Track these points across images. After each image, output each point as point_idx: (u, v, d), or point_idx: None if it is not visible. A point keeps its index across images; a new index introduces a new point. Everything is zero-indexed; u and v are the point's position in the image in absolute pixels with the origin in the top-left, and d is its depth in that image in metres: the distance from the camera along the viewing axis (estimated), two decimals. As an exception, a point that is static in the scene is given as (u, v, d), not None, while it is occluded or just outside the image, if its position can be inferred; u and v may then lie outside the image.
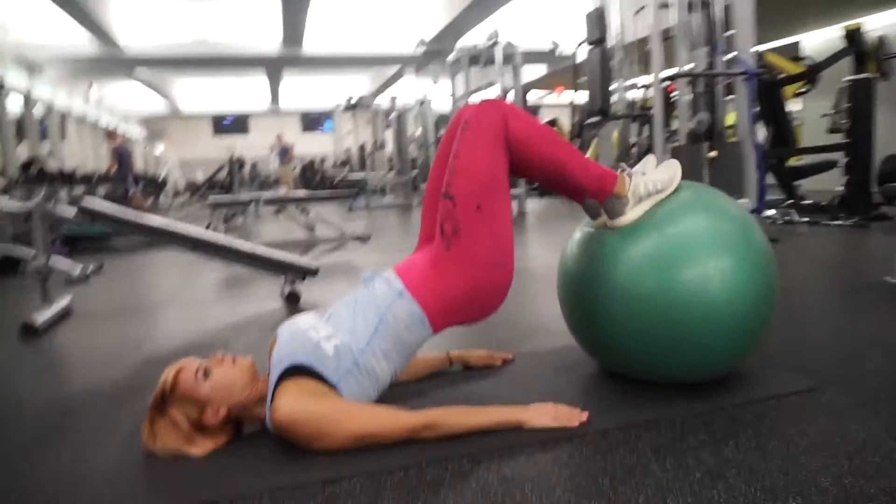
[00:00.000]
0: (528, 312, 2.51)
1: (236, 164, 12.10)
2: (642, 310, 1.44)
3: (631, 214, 1.52)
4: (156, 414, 1.32)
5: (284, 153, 14.96)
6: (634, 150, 4.52)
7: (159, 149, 19.87)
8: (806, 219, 5.05)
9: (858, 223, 4.65)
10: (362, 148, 13.41)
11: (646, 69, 4.41)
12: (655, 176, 1.54)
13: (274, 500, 1.15)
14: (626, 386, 1.57)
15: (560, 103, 16.82)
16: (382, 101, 12.57)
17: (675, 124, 4.39)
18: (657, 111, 3.72)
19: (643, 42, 4.13)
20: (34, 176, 2.74)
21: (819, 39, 9.08)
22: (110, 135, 10.87)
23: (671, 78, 3.83)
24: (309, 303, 2.95)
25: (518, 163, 1.46)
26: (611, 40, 4.33)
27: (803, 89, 6.75)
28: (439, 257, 1.42)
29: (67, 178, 2.95)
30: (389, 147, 12.24)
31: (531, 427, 1.35)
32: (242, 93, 21.20)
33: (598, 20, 4.17)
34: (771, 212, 5.29)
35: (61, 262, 4.15)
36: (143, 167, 18.83)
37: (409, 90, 12.44)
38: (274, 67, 16.00)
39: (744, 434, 1.30)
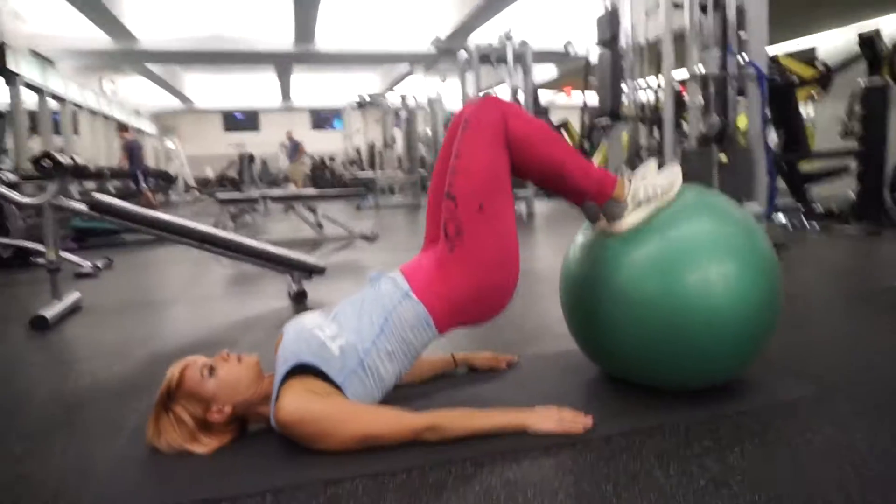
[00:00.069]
0: (535, 314, 2.50)
1: (246, 161, 12.14)
2: (644, 314, 1.43)
3: (630, 219, 1.51)
4: (161, 411, 1.33)
5: (294, 150, 15.00)
6: (644, 152, 4.49)
7: (170, 144, 19.96)
8: (816, 224, 5.01)
9: (870, 230, 4.60)
10: (372, 146, 13.42)
11: (657, 71, 4.38)
12: (656, 181, 1.53)
13: (277, 499, 1.15)
14: (630, 391, 1.56)
15: (571, 104, 16.77)
16: (393, 99, 12.56)
17: (685, 126, 4.37)
18: (667, 113, 3.70)
19: (654, 43, 4.11)
20: (46, 170, 2.75)
21: (834, 42, 9.00)
22: (122, 129, 10.95)
23: (682, 81, 3.81)
24: (316, 301, 2.95)
25: (517, 163, 1.44)
26: (622, 41, 4.31)
27: (816, 94, 6.70)
28: (444, 259, 1.42)
29: (79, 173, 2.97)
30: (399, 146, 12.25)
31: (535, 431, 1.34)
32: (253, 89, 21.30)
33: (609, 21, 4.15)
34: (781, 217, 5.25)
35: (71, 257, 4.20)
36: (154, 162, 18.94)
37: (419, 89, 12.43)
38: (285, 64, 16.05)
39: (749, 441, 1.30)
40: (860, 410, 1.43)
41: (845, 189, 5.52)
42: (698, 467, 1.20)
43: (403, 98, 11.44)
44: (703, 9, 3.88)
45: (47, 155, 2.80)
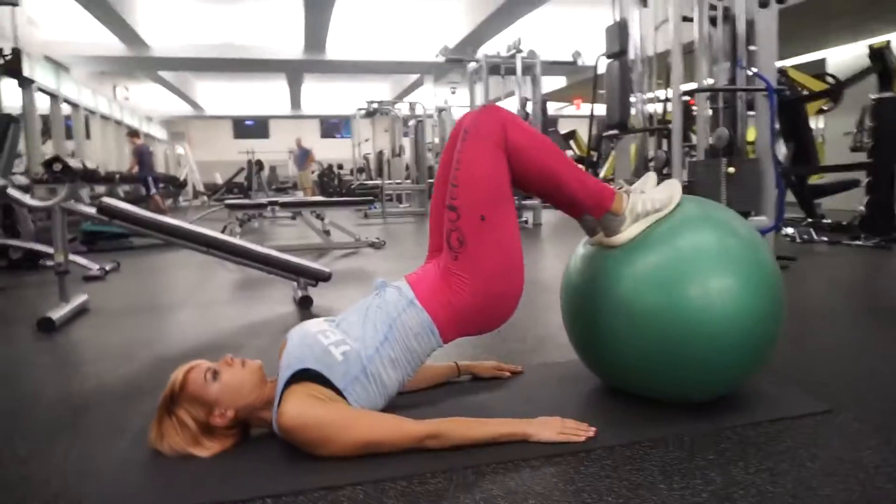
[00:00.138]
0: (540, 324, 2.50)
1: (255, 168, 12.20)
2: (645, 326, 1.42)
3: (627, 233, 1.50)
4: (164, 414, 1.33)
5: (304, 157, 15.07)
6: (652, 164, 4.48)
7: (180, 150, 20.11)
8: (825, 238, 4.98)
9: (879, 244, 4.57)
10: (380, 154, 13.48)
11: (666, 83, 4.38)
12: (654, 195, 1.52)
13: (277, 504, 1.15)
14: (634, 402, 1.55)
15: (579, 114, 16.80)
16: (401, 108, 12.62)
17: (693, 139, 4.36)
18: (676, 125, 3.69)
19: (664, 55, 4.11)
20: (56, 174, 2.78)
21: (845, 56, 8.98)
22: (132, 135, 11.04)
23: (691, 92, 3.80)
24: (321, 308, 2.96)
25: (516, 173, 1.43)
26: (631, 53, 4.32)
27: (826, 107, 6.68)
28: (448, 268, 1.42)
29: (89, 177, 3.00)
30: (407, 154, 12.28)
31: (537, 441, 1.34)
32: (264, 97, 21.45)
33: (619, 33, 4.16)
34: (790, 230, 5.23)
35: (80, 260, 4.23)
36: (164, 168, 19.07)
37: (428, 98, 12.49)
38: (296, 72, 16.16)
39: (754, 455, 1.28)
40: (868, 426, 1.41)
41: (854, 202, 5.48)
42: (702, 480, 1.19)
43: (412, 107, 11.50)
44: (713, 22, 3.88)
45: (58, 159, 2.83)
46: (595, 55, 5.03)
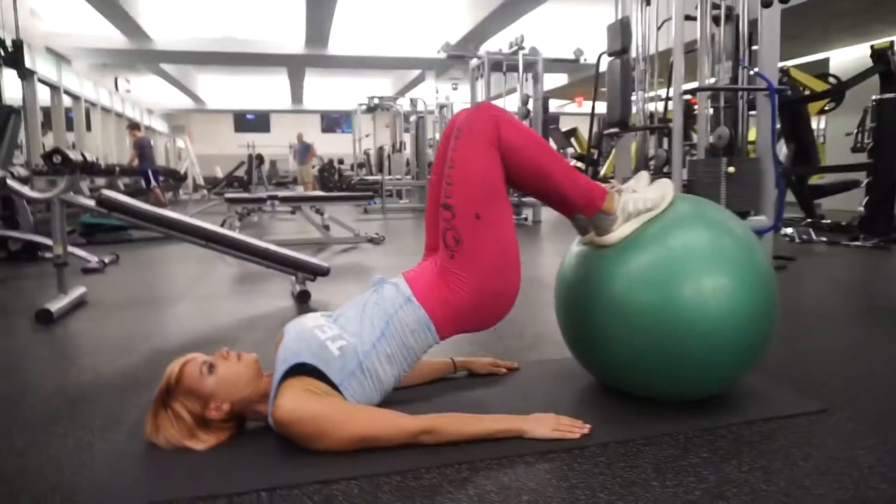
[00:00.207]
0: (537, 321, 2.50)
1: (256, 162, 12.20)
2: (639, 325, 1.42)
3: (619, 232, 1.50)
4: (160, 406, 1.34)
5: (305, 152, 15.06)
6: (652, 162, 4.48)
7: (180, 143, 20.11)
8: (824, 238, 4.98)
9: (878, 245, 4.57)
10: (381, 150, 13.47)
11: (667, 81, 4.37)
12: (646, 194, 1.52)
13: (272, 497, 1.15)
14: (629, 399, 1.56)
15: (581, 112, 16.79)
16: (403, 104, 12.61)
17: (694, 138, 4.35)
18: (677, 124, 3.68)
19: (665, 54, 4.10)
20: (56, 166, 2.78)
21: (848, 56, 8.96)
22: (132, 127, 11.04)
23: (692, 91, 3.80)
24: (319, 302, 2.96)
25: (509, 171, 1.43)
26: (633, 51, 4.31)
27: (828, 107, 6.68)
28: (444, 266, 1.42)
29: (89, 169, 3.00)
30: (408, 150, 12.28)
31: (531, 437, 1.34)
32: (265, 91, 21.42)
33: (621, 31, 4.15)
34: (789, 230, 5.23)
35: (79, 252, 4.23)
36: (165, 161, 19.07)
37: (430, 94, 12.48)
38: (297, 66, 16.14)
39: (748, 454, 1.29)
40: (863, 426, 1.41)
41: (855, 203, 5.48)
42: (695, 478, 1.19)
43: (414, 103, 11.48)
44: (716, 21, 3.88)
45: (58, 151, 2.82)
46: (597, 53, 5.02)
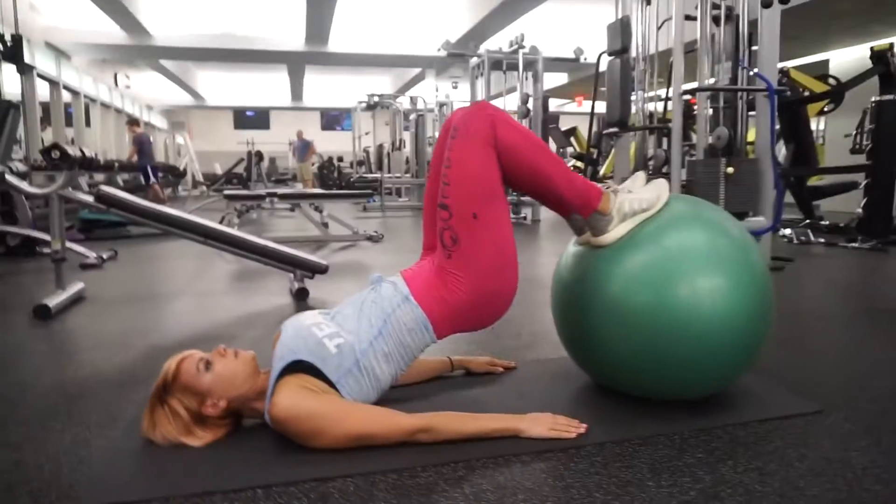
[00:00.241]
0: (536, 320, 2.50)
1: (255, 159, 12.19)
2: (634, 325, 1.42)
3: (614, 233, 1.50)
4: (156, 403, 1.34)
5: (305, 149, 15.04)
6: (651, 162, 4.48)
7: (180, 140, 20.09)
8: (822, 240, 4.99)
9: (876, 246, 4.58)
10: (380, 148, 13.47)
11: (667, 81, 4.38)
12: (642, 194, 1.52)
13: (268, 494, 1.15)
14: (625, 399, 1.56)
15: (581, 111, 16.80)
16: (403, 102, 12.60)
17: (693, 138, 4.36)
18: (676, 124, 3.68)
19: (665, 54, 4.10)
20: (55, 161, 2.78)
21: (848, 58, 8.97)
22: (132, 123, 11.03)
23: (692, 91, 3.80)
24: (317, 300, 2.96)
25: (505, 171, 1.42)
26: (633, 51, 4.31)
27: (827, 108, 6.68)
28: (442, 266, 1.42)
29: (88, 165, 2.99)
30: (407, 148, 12.28)
31: (528, 436, 1.34)
32: (265, 88, 21.39)
33: (621, 30, 4.15)
34: (787, 231, 5.24)
35: (77, 248, 4.23)
36: (164, 157, 19.04)
37: (430, 93, 12.48)
38: (298, 64, 16.12)
39: (743, 454, 1.29)
40: (858, 428, 1.42)
41: (853, 205, 5.49)
42: (690, 478, 1.20)
43: (413, 101, 11.48)
44: (716, 21, 3.88)
45: (56, 146, 2.82)
46: (597, 52, 5.02)
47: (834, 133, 8.92)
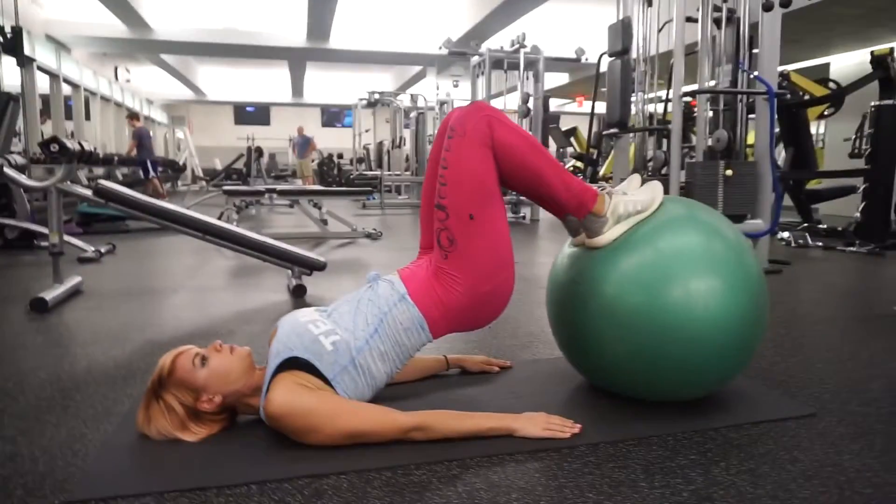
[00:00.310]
0: (532, 320, 2.50)
1: (255, 154, 12.18)
2: (629, 326, 1.43)
3: (609, 234, 1.50)
4: (152, 398, 1.34)
5: (305, 145, 15.02)
6: (650, 163, 4.49)
7: (180, 134, 20.07)
8: (820, 243, 5.00)
9: (873, 251, 4.59)
10: (380, 145, 13.46)
11: (667, 83, 4.38)
12: (636, 196, 1.53)
13: (262, 490, 1.16)
14: (620, 400, 1.57)
15: (581, 111, 16.80)
16: (403, 99, 12.59)
17: (693, 140, 4.37)
18: (676, 126, 3.69)
19: (666, 55, 4.11)
20: (54, 154, 2.78)
21: (849, 62, 8.98)
22: (132, 117, 11.02)
23: (692, 93, 3.80)
24: (315, 297, 2.96)
25: (501, 171, 1.43)
26: (634, 52, 4.31)
27: (827, 112, 6.69)
28: (439, 266, 1.43)
29: (86, 159, 2.99)
30: (407, 146, 12.27)
31: (522, 436, 1.35)
32: (266, 84, 21.37)
33: (622, 31, 4.15)
34: (785, 234, 5.25)
35: (75, 241, 4.22)
36: (164, 152, 19.03)
37: (430, 91, 12.48)
38: (299, 60, 16.10)
39: (735, 456, 1.30)
40: (851, 432, 1.42)
41: (853, 209, 5.49)
42: (683, 479, 1.20)
43: (414, 99, 11.47)
44: (717, 23, 3.88)
45: (55, 139, 2.82)
46: (598, 53, 5.02)
47: (833, 137, 8.93)
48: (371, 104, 12.65)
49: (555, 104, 18.54)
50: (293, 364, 1.33)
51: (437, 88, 11.95)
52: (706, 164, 3.69)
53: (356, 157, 15.40)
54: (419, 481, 1.19)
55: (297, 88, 21.11)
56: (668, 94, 4.45)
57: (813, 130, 6.71)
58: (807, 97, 5.92)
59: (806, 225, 5.65)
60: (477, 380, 1.76)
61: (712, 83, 3.90)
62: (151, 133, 12.74)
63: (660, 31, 4.38)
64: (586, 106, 14.99)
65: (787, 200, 5.39)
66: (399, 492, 1.15)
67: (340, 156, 17.12)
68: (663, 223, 1.50)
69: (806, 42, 8.48)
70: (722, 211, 3.54)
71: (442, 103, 10.66)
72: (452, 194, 1.39)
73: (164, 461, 1.26)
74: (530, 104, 7.21)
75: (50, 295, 2.71)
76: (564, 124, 12.67)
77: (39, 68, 8.35)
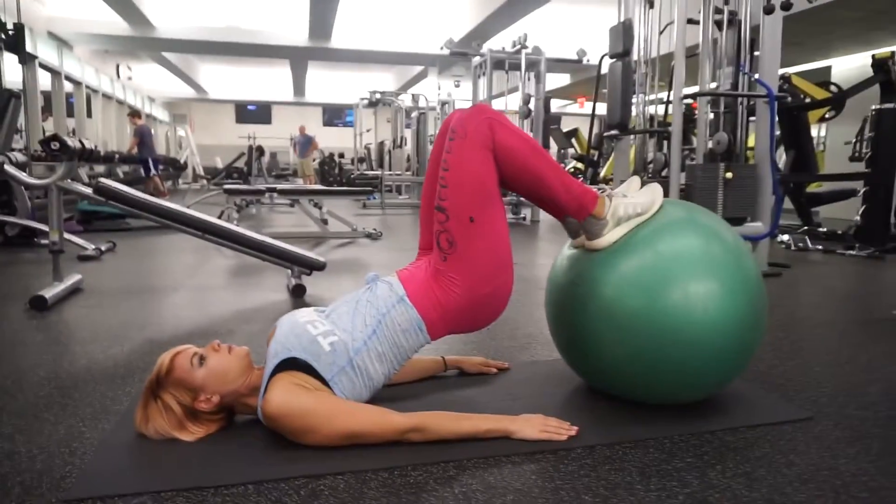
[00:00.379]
0: (531, 321, 2.51)
1: (256, 153, 12.18)
2: (627, 328, 1.43)
3: (609, 237, 1.51)
4: (149, 397, 1.34)
5: (307, 145, 15.02)
6: (651, 165, 4.49)
7: (181, 132, 20.08)
8: (820, 246, 5.00)
9: (873, 254, 4.59)
10: (381, 145, 13.47)
11: (668, 85, 4.38)
12: (636, 199, 1.53)
13: (259, 490, 1.16)
14: (617, 402, 1.57)
15: (582, 112, 16.80)
16: (405, 99, 12.60)
17: (693, 142, 4.37)
18: (676, 128, 3.69)
19: (667, 58, 4.11)
20: (55, 152, 2.78)
21: (850, 65, 8.97)
22: (133, 115, 11.02)
23: (693, 96, 3.81)
24: (314, 297, 2.97)
25: (502, 173, 1.43)
26: (634, 54, 4.31)
27: (828, 115, 6.68)
28: (438, 268, 1.43)
29: (87, 156, 2.99)
30: (408, 146, 12.27)
31: (519, 438, 1.35)
32: (267, 82, 21.37)
33: (623, 33, 4.15)
34: (785, 237, 5.25)
35: (75, 239, 4.23)
36: (165, 150, 19.03)
37: (432, 91, 12.49)
38: (301, 59, 16.10)
39: (731, 459, 1.30)
40: (848, 436, 1.43)
41: (853, 212, 5.50)
42: (679, 482, 1.20)
43: (415, 99, 11.46)
44: (719, 26, 3.89)
45: (56, 137, 2.82)
46: (600, 54, 5.02)
47: (834, 140, 8.93)
48: (372, 104, 12.66)
49: (556, 105, 18.53)
50: (291, 364, 1.34)
51: (439, 88, 11.96)
52: (706, 166, 3.69)
53: (357, 157, 15.41)
54: (416, 482, 1.19)
55: (299, 87, 21.11)
56: (668, 97, 4.44)
57: (814, 133, 6.71)
58: (808, 100, 5.91)
59: (806, 228, 5.66)
60: (475, 381, 1.76)
61: (713, 85, 3.90)
62: (153, 131, 12.75)
63: (661, 33, 4.37)
64: (588, 107, 14.99)
65: (788, 203, 5.39)
66: (395, 493, 1.16)
67: (342, 155, 17.13)
68: (663, 226, 1.50)
69: (807, 45, 8.48)
70: (722, 214, 3.55)
71: (443, 103, 10.66)
72: (453, 196, 1.39)
73: (162, 460, 1.26)
74: (531, 105, 7.21)
75: (50, 293, 2.71)
76: (566, 125, 12.67)
77: (41, 65, 8.35)
